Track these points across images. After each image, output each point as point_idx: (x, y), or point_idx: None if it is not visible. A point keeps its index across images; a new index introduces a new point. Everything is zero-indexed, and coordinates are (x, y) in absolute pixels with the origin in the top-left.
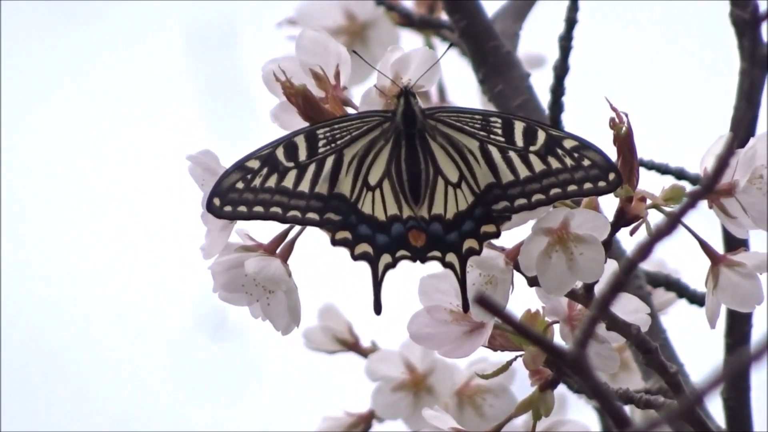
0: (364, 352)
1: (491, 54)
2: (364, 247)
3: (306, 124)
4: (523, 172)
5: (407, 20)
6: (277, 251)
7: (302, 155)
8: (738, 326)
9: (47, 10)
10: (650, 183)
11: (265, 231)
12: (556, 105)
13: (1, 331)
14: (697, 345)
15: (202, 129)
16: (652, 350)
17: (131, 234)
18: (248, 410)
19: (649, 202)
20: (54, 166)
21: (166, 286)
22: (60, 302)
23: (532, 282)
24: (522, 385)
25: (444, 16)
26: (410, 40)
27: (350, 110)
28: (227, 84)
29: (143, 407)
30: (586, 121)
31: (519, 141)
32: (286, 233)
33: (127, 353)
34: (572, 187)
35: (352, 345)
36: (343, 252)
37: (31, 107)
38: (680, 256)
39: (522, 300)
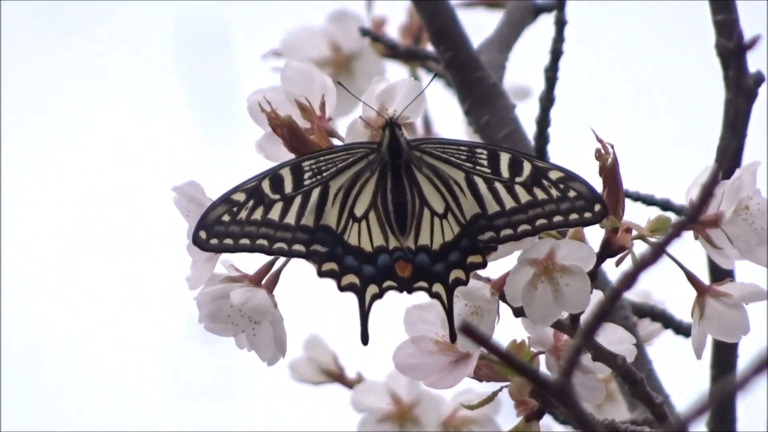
0: (349, 384)
1: (477, 85)
2: (350, 279)
3: (291, 155)
4: (509, 203)
5: (392, 51)
6: (263, 282)
7: (288, 187)
8: (724, 356)
9: (36, 12)
10: (636, 214)
11: (251, 262)
12: (542, 136)
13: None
14: (682, 376)
15: (192, 131)
16: (638, 381)
17: (119, 237)
18: (236, 417)
19: (634, 233)
20: (42, 169)
21: (155, 288)
22: (46, 306)
23: (518, 312)
24: (508, 415)
25: (429, 48)
26: (396, 72)
27: (336, 141)
28: (218, 86)
29: (133, 412)
30: (571, 152)
31: (505, 172)
32: (271, 264)
33: (116, 357)
34: (558, 218)
35: (337, 376)
36: (330, 283)
37: (18, 110)
38: (665, 287)
39: (508, 330)
